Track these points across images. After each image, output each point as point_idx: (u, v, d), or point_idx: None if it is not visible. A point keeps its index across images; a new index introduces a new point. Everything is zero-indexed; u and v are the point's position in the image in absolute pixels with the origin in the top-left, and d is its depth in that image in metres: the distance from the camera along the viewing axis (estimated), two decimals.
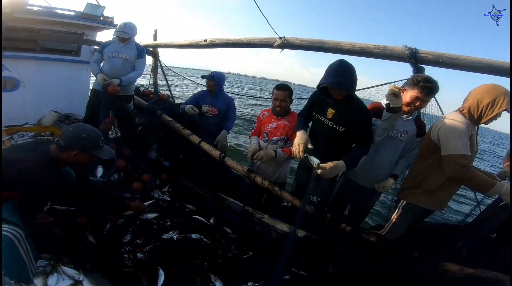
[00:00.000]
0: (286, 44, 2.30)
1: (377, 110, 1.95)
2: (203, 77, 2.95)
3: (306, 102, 2.08)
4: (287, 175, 2.44)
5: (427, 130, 1.97)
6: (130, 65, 3.00)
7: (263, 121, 2.40)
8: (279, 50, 2.40)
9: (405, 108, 1.84)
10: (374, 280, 1.71)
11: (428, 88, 1.73)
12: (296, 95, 2.42)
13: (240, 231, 2.11)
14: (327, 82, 1.66)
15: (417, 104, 1.80)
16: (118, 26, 2.95)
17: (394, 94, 1.60)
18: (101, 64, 3.02)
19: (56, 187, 1.61)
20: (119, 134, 3.16)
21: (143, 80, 4.11)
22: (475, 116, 1.64)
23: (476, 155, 1.82)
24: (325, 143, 1.90)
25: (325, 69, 1.73)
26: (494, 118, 1.61)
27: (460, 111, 1.71)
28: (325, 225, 1.93)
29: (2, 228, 1.30)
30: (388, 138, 1.93)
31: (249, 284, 1.67)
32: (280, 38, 2.32)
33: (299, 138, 1.80)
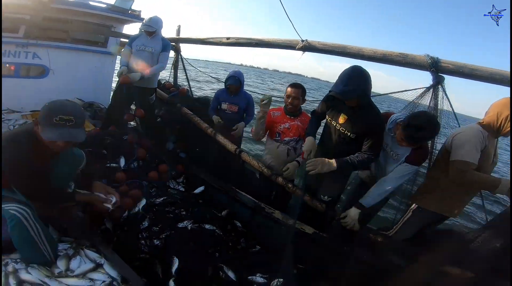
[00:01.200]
0: (308, 47, 2.30)
1: (386, 119, 1.92)
2: (228, 85, 2.82)
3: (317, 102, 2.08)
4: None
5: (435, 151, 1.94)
6: (155, 58, 3.03)
7: (273, 119, 2.34)
8: (301, 53, 2.42)
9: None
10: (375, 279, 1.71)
11: (411, 138, 1.66)
12: (309, 87, 2.42)
13: (250, 225, 2.15)
14: (336, 91, 1.62)
15: (403, 144, 1.74)
16: (144, 20, 3.00)
17: None
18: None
19: (29, 162, 1.32)
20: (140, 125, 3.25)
21: (164, 74, 4.18)
22: (495, 128, 1.63)
23: (495, 166, 1.79)
24: (335, 148, 1.88)
25: (339, 64, 1.72)
26: None
27: (480, 123, 1.69)
28: (334, 223, 1.95)
29: (9, 207, 1.23)
30: (385, 153, 1.93)
31: (257, 275, 1.70)
32: (302, 41, 2.32)
33: (309, 145, 1.82)
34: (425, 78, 1.99)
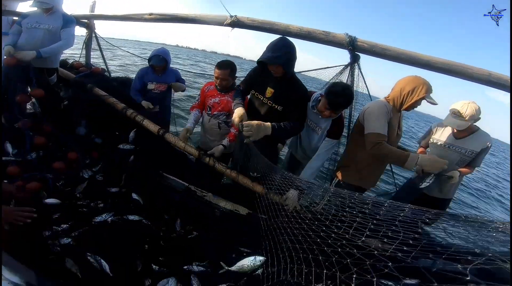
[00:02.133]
0: (236, 23, 2.21)
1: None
2: (152, 64, 2.62)
3: None
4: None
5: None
6: (54, 36, 2.59)
7: (206, 93, 2.29)
8: (230, 29, 2.30)
9: (317, 111, 1.92)
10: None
11: (336, 104, 1.78)
12: (247, 68, 2.37)
13: (183, 211, 1.95)
14: (264, 58, 1.66)
15: (326, 113, 1.85)
16: None
17: None
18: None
19: None
20: (39, 109, 2.64)
21: (71, 52, 3.55)
22: (397, 103, 1.80)
23: (400, 139, 2.01)
24: (264, 121, 1.86)
25: None
26: (414, 105, 1.77)
27: (386, 98, 1.87)
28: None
29: None
30: (310, 129, 2.04)
31: (194, 264, 1.53)
32: (231, 16, 2.22)
33: (240, 112, 1.74)
34: (345, 60, 2.15)
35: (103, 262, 1.36)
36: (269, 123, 1.71)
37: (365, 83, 2.16)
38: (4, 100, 2.59)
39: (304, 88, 1.89)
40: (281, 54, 1.65)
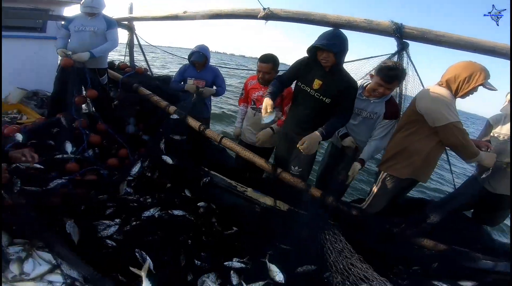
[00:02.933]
0: (270, 15, 2.12)
1: None
2: (192, 61, 2.64)
3: None
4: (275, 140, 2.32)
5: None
6: (99, 38, 2.72)
7: (250, 87, 2.31)
8: (265, 22, 2.23)
9: (371, 93, 1.90)
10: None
11: (390, 77, 1.78)
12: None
13: (224, 206, 2.00)
14: (319, 43, 1.63)
15: (380, 90, 1.84)
16: (84, 1, 2.64)
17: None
18: (69, 40, 2.73)
19: None
20: (93, 109, 2.89)
21: (117, 54, 3.78)
22: (453, 90, 1.63)
23: None
24: (310, 114, 1.83)
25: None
26: (470, 92, 1.61)
27: (439, 84, 1.68)
28: (308, 198, 1.88)
29: None
30: (360, 117, 1.99)
31: (234, 259, 1.58)
32: (264, 9, 2.13)
33: (266, 102, 1.70)
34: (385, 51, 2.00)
35: (148, 259, 1.44)
36: (316, 133, 1.68)
37: (417, 72, 1.96)
38: (61, 101, 2.87)
39: (353, 79, 1.84)
40: (336, 42, 1.63)
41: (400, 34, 1.76)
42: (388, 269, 1.68)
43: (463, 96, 1.64)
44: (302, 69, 1.84)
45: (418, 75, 1.96)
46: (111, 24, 2.80)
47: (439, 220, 1.80)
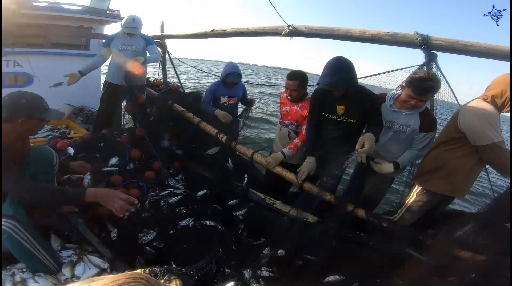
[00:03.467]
0: (294, 32, 2.19)
1: (382, 101, 1.91)
2: (226, 82, 2.69)
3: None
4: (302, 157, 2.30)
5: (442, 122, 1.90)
6: (141, 55, 2.93)
7: (282, 101, 2.36)
8: (289, 39, 2.30)
9: (403, 105, 1.80)
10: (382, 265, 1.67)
11: (422, 89, 1.67)
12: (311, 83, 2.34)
13: (253, 217, 2.08)
14: (323, 83, 1.66)
15: (412, 102, 1.73)
16: (125, 21, 2.87)
17: None
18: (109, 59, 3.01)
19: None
20: (131, 125, 3.13)
21: (152, 71, 4.04)
22: (499, 105, 1.56)
23: None
24: (342, 138, 1.86)
25: (325, 57, 1.69)
26: None
27: (483, 99, 1.61)
28: (337, 210, 1.90)
29: None
30: (392, 131, 1.89)
31: (262, 269, 1.64)
32: (288, 26, 2.21)
33: (308, 166, 1.86)
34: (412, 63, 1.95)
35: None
36: (369, 133, 1.68)
37: (448, 83, 1.89)
38: (107, 117, 3.12)
39: (370, 91, 1.85)
40: (338, 78, 1.63)
41: (427, 45, 1.73)
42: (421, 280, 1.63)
43: (507, 111, 1.58)
44: (321, 100, 1.88)
45: (450, 86, 1.90)
46: (150, 40, 3.04)
47: (477, 232, 1.70)
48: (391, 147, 1.93)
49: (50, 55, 3.60)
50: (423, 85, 1.65)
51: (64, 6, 3.53)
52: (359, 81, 1.89)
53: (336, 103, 1.81)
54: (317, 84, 1.75)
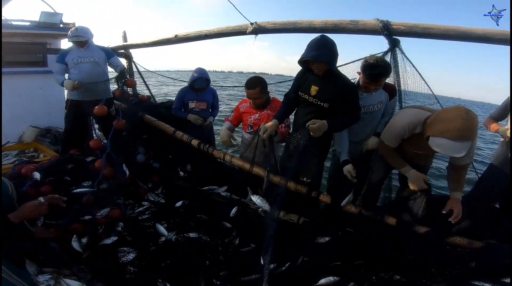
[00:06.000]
0: (258, 29, 2.11)
1: None
2: (194, 88, 2.67)
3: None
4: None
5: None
6: (101, 67, 2.79)
7: (243, 111, 2.24)
8: (253, 40, 2.22)
9: (365, 90, 1.88)
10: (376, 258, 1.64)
11: (374, 76, 1.76)
12: (274, 85, 2.26)
13: (238, 224, 1.97)
14: (308, 56, 1.61)
15: (372, 88, 1.85)
16: (70, 33, 2.67)
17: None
18: (66, 74, 2.77)
19: None
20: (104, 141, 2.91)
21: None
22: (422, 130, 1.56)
23: None
24: (311, 120, 1.77)
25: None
26: None
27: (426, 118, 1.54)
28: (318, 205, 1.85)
29: None
30: (369, 114, 1.92)
31: (253, 276, 1.56)
32: (252, 24, 2.12)
33: (268, 124, 1.77)
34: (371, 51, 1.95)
35: None
36: (324, 121, 1.64)
37: (414, 67, 1.89)
38: (74, 136, 2.89)
39: (347, 80, 1.79)
40: (324, 52, 1.59)
41: (389, 31, 1.71)
42: (420, 274, 1.56)
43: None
44: (300, 79, 1.82)
45: (417, 70, 1.90)
46: (109, 52, 2.88)
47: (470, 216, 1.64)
48: (370, 128, 2.00)
49: (5, 75, 3.27)
50: (374, 71, 1.75)
51: (13, 23, 3.23)
52: None
53: (312, 83, 1.75)
54: (300, 59, 1.69)
